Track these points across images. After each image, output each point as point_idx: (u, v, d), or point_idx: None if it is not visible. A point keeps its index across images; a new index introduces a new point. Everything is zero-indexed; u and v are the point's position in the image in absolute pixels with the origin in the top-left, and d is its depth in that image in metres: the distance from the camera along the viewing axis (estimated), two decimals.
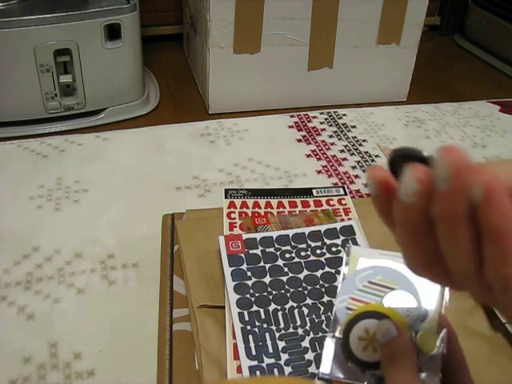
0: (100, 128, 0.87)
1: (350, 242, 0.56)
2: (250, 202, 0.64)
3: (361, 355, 0.32)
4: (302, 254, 0.55)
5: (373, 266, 0.35)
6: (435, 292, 0.36)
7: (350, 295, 0.35)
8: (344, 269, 0.36)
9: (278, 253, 0.55)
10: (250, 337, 0.47)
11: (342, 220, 0.61)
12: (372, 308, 0.34)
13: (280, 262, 0.54)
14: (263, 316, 0.49)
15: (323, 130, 0.90)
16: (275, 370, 0.45)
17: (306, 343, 0.47)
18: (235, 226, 0.60)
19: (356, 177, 0.78)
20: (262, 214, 0.62)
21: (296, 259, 0.54)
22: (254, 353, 0.46)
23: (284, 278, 0.52)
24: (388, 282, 0.39)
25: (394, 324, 0.32)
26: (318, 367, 0.45)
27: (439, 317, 0.34)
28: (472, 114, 0.97)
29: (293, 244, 0.56)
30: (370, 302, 0.35)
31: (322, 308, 0.50)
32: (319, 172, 0.78)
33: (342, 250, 0.55)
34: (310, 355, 0.46)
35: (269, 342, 0.47)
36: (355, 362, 0.32)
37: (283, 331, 0.48)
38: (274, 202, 0.64)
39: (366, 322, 0.34)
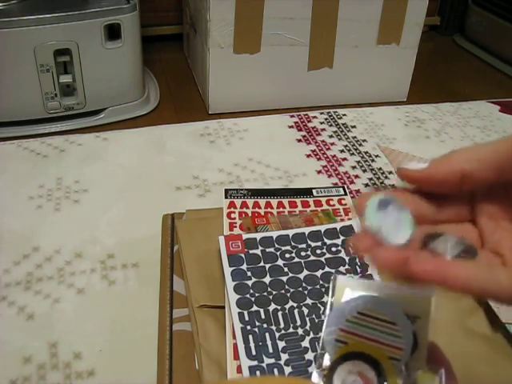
0: (100, 128, 0.87)
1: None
2: (250, 202, 0.64)
3: None
4: (302, 253, 0.55)
5: (360, 295, 0.35)
6: (424, 320, 0.35)
7: (339, 326, 0.35)
8: (330, 299, 0.36)
9: (278, 253, 0.55)
10: (250, 337, 0.47)
11: (342, 220, 0.61)
12: (356, 348, 0.34)
13: (280, 262, 0.54)
14: (263, 316, 0.49)
15: (323, 130, 0.90)
16: (275, 370, 0.45)
17: (305, 343, 0.47)
18: (235, 226, 0.60)
19: (356, 177, 0.78)
20: (262, 213, 0.62)
21: (296, 259, 0.54)
22: (254, 353, 0.46)
23: (284, 278, 0.52)
24: (377, 312, 0.39)
25: (358, 374, 0.32)
26: (317, 367, 0.45)
27: (431, 348, 0.33)
28: (472, 114, 0.97)
29: (293, 244, 0.56)
30: (360, 335, 0.34)
31: (322, 308, 0.50)
32: (319, 172, 0.78)
33: (342, 250, 0.55)
34: (309, 355, 0.46)
35: (269, 342, 0.47)
36: None
37: (283, 331, 0.48)
38: (274, 201, 0.64)
39: (349, 363, 0.33)
